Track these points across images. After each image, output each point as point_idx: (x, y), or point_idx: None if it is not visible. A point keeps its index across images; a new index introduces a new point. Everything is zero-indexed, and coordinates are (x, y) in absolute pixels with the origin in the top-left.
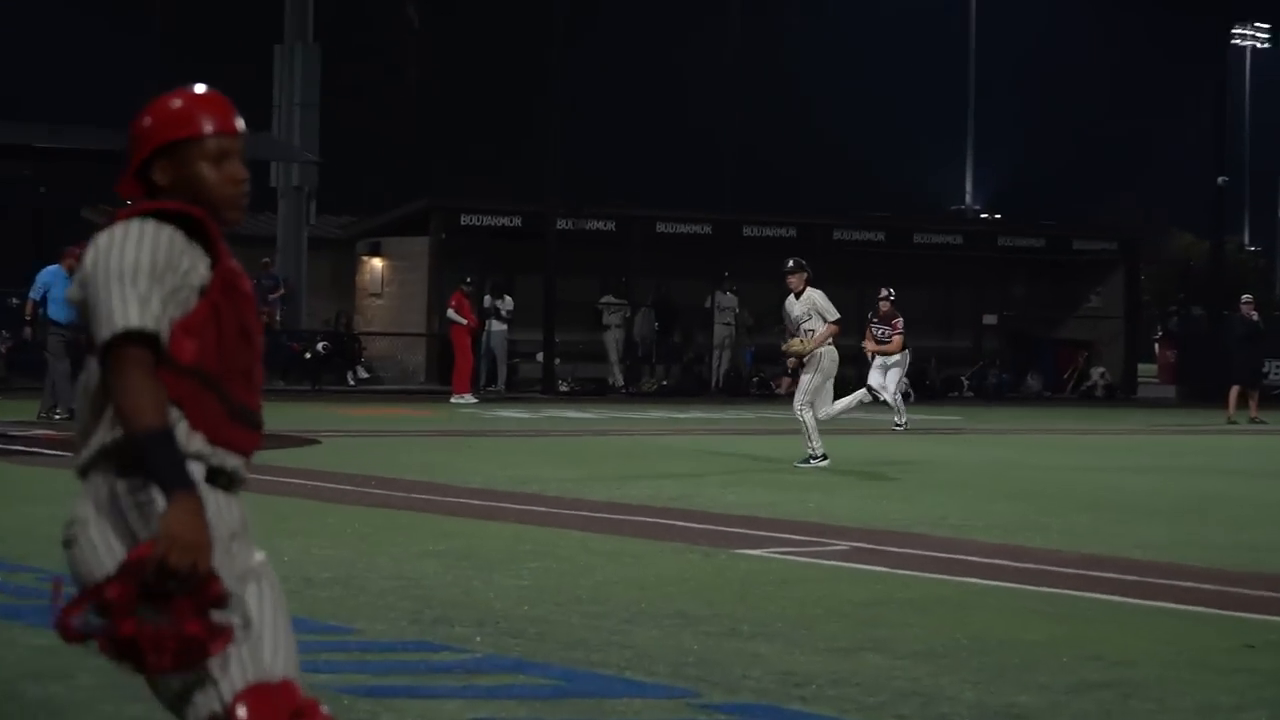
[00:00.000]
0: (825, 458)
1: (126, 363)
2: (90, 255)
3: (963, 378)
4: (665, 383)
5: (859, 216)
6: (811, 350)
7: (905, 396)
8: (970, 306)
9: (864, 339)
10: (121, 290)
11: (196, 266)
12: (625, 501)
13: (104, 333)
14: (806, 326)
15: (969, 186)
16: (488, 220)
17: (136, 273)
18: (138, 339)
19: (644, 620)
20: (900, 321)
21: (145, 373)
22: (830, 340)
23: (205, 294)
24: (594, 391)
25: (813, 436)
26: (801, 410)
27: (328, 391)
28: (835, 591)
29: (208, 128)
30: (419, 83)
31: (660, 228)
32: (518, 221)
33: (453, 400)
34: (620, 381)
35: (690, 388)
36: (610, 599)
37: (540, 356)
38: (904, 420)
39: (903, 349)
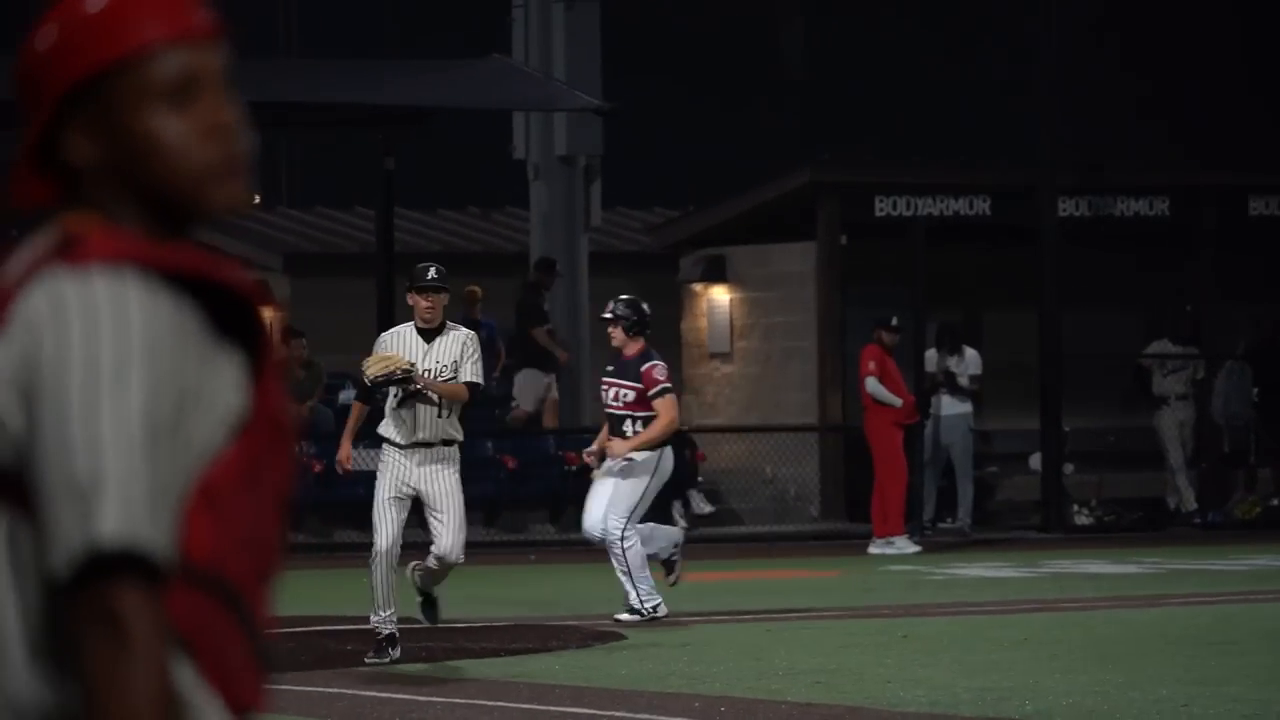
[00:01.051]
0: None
1: (126, 624)
2: (44, 344)
3: None
4: (1277, 503)
5: None
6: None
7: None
8: None
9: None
10: (117, 450)
11: (220, 388)
12: None
13: (77, 537)
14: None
15: None
16: (925, 206)
17: (144, 417)
18: (137, 563)
19: None
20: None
21: (155, 646)
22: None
23: (240, 435)
24: (1141, 525)
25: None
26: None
27: None
28: None
29: (148, 34)
30: None
31: (1256, 207)
32: (985, 206)
33: (873, 549)
34: (1191, 504)
35: None
36: None
37: (1036, 461)
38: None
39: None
